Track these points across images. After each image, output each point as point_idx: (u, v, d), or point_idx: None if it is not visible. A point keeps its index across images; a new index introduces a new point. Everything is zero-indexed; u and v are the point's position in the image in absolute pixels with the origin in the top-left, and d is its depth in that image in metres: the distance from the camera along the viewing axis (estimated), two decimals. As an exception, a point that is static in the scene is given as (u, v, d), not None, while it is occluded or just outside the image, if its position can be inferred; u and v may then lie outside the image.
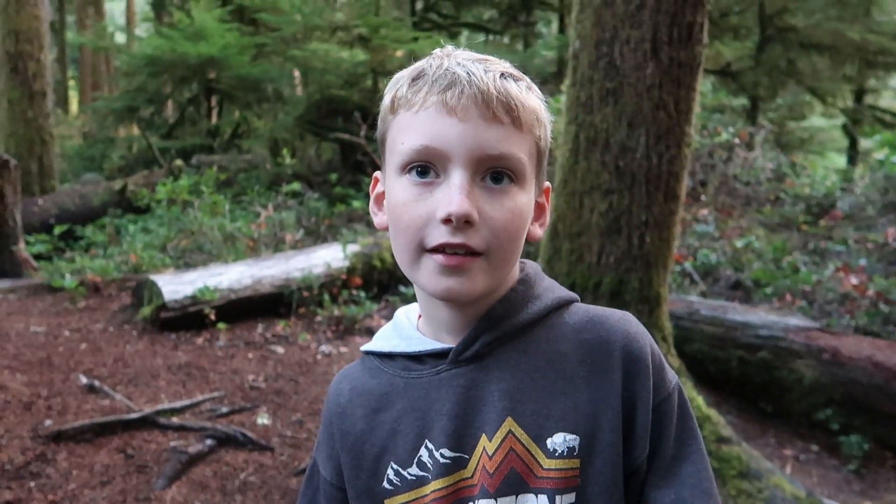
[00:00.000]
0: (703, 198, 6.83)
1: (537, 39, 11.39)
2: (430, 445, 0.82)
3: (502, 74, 0.80)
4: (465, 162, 0.76)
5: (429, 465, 0.82)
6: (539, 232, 0.86)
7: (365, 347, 0.93)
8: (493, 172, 0.78)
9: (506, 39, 11.30)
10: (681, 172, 3.01)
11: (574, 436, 0.78)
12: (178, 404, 3.39)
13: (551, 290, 0.87)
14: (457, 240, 0.76)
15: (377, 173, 0.90)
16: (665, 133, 2.93)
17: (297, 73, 11.28)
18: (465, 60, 0.80)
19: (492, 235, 0.77)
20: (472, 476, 0.80)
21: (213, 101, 11.27)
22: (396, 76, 0.84)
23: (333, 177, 7.89)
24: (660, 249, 3.02)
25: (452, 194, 0.76)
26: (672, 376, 0.85)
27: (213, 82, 10.48)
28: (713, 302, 4.27)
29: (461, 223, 0.75)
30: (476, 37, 11.85)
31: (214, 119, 11.38)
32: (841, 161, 11.40)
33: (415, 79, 0.80)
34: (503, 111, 0.78)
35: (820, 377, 3.61)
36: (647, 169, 2.94)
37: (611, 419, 0.79)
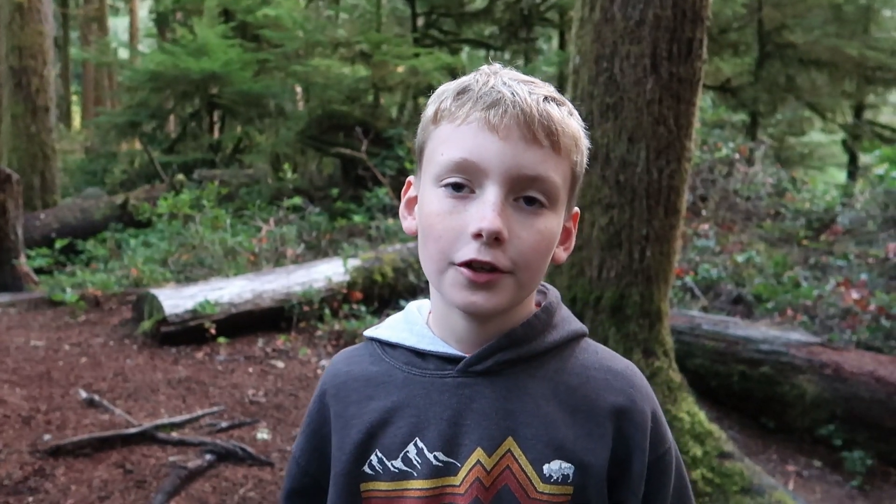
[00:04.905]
0: (703, 213, 6.84)
1: (538, 55, 11.46)
2: (421, 444, 0.83)
3: (545, 98, 0.81)
4: (500, 179, 0.78)
5: (416, 462, 0.83)
6: (563, 255, 0.87)
7: (369, 333, 0.92)
8: (527, 195, 0.79)
9: (507, 55, 11.37)
10: (681, 187, 3.02)
11: (570, 464, 0.80)
12: (177, 419, 3.38)
13: (567, 321, 0.89)
14: (485, 257, 0.77)
15: (411, 178, 0.90)
16: (665, 148, 2.93)
17: (298, 89, 11.34)
18: (510, 80, 0.81)
19: (519, 255, 0.78)
20: (460, 485, 0.81)
21: (215, 116, 11.33)
22: (441, 88, 0.85)
23: (335, 192, 7.90)
24: (661, 264, 3.02)
25: (485, 210, 0.77)
26: (669, 436, 0.89)
27: (215, 97, 10.54)
28: (714, 317, 4.26)
29: (491, 240, 0.76)
30: (477, 53, 11.93)
31: (216, 134, 11.43)
32: (841, 176, 11.43)
33: (460, 93, 0.81)
34: (543, 134, 0.79)
35: (822, 392, 3.59)
36: (647, 183, 2.94)
37: (602, 457, 0.82)
